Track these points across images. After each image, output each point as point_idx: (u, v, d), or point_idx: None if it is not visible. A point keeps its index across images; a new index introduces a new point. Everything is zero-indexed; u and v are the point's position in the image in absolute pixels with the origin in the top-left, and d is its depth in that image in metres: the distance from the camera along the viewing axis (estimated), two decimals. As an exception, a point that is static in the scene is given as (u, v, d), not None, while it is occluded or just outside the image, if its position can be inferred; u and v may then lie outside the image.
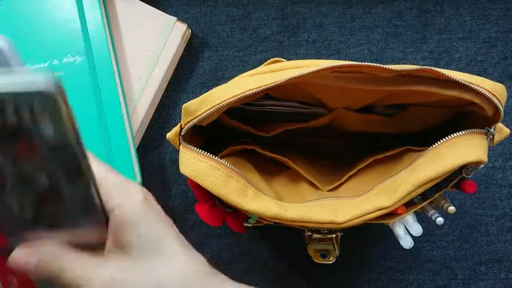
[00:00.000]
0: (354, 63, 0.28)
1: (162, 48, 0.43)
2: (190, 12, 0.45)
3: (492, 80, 0.44)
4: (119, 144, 0.40)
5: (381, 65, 0.28)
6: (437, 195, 0.32)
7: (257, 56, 0.45)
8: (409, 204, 0.32)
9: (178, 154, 0.33)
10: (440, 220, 0.32)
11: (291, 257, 0.44)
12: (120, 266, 0.22)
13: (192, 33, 0.45)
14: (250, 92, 0.28)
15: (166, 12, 0.43)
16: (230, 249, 0.44)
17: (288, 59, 0.44)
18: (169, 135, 0.33)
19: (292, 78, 0.27)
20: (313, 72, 0.27)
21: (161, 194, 0.45)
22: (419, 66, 0.28)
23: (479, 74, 0.44)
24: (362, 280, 0.43)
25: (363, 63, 0.28)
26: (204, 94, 0.30)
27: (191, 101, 0.31)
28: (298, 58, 0.45)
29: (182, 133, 0.32)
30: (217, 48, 0.45)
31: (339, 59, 0.45)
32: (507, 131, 0.32)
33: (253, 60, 0.45)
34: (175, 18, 0.43)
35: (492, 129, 0.30)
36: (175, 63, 0.45)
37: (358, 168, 0.35)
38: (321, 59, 0.45)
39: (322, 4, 0.45)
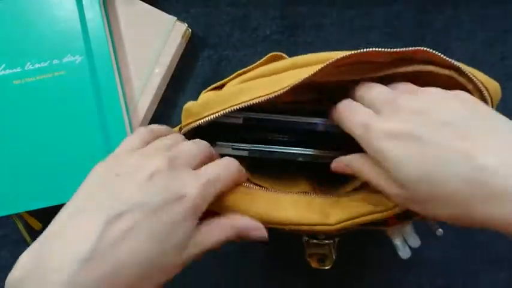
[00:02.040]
0: (352, 52, 0.27)
1: (162, 48, 0.43)
2: (190, 12, 0.45)
3: (491, 80, 0.45)
4: (119, 144, 0.40)
5: (381, 50, 0.27)
6: None
7: (256, 56, 0.45)
8: (403, 217, 0.32)
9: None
10: (440, 231, 0.33)
11: (289, 259, 0.44)
12: None
13: (192, 33, 0.45)
14: (254, 101, 0.28)
15: (166, 12, 0.43)
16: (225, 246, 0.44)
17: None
18: None
19: (297, 84, 0.27)
20: (314, 74, 0.27)
21: (161, 193, 0.45)
22: (417, 48, 0.27)
23: (477, 74, 0.45)
24: (361, 280, 0.43)
25: (365, 51, 0.27)
26: (207, 96, 0.30)
27: (193, 102, 0.31)
28: (297, 58, 0.45)
29: (183, 131, 0.32)
30: (217, 48, 0.45)
31: (338, 59, 0.45)
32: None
33: (252, 61, 0.45)
34: (175, 18, 0.43)
35: None
36: (175, 63, 0.45)
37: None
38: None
39: (321, 5, 0.45)
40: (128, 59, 0.43)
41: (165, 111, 0.45)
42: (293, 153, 0.32)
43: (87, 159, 0.40)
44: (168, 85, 0.45)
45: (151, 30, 0.43)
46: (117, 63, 0.42)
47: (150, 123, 0.45)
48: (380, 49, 0.28)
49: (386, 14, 0.45)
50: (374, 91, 0.28)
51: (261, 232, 0.27)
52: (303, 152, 0.33)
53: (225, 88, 0.33)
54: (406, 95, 0.26)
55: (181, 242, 0.24)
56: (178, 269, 0.24)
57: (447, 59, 0.28)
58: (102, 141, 0.40)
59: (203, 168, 0.27)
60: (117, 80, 0.41)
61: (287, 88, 0.27)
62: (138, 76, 0.43)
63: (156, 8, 0.43)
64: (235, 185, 0.29)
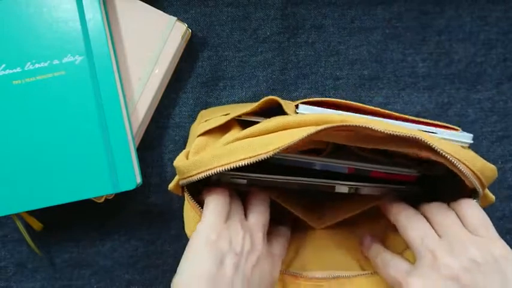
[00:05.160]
0: (346, 123, 0.28)
1: (162, 48, 0.43)
2: (190, 12, 0.45)
3: (491, 82, 0.45)
4: (119, 144, 0.40)
5: (372, 126, 0.28)
6: None
7: (257, 57, 0.45)
8: None
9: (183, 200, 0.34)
10: None
11: None
12: None
13: (192, 33, 0.45)
14: (240, 164, 0.29)
15: (166, 12, 0.43)
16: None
17: (287, 61, 0.45)
18: (171, 186, 0.34)
19: (284, 146, 0.28)
20: (305, 137, 0.28)
21: (161, 193, 0.45)
22: (411, 134, 0.28)
23: (478, 76, 0.45)
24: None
25: (354, 124, 0.28)
26: (195, 158, 0.31)
27: (181, 159, 0.32)
28: (298, 59, 0.45)
29: (181, 183, 0.32)
30: (217, 48, 0.45)
31: (338, 60, 0.45)
32: (492, 198, 0.32)
33: (252, 61, 0.45)
34: (175, 18, 0.43)
35: (476, 200, 0.31)
36: (175, 63, 0.45)
37: (343, 217, 0.37)
38: (320, 60, 0.45)
39: (321, 5, 0.45)
40: (128, 59, 0.43)
41: (165, 111, 0.45)
42: (290, 182, 0.33)
43: (87, 159, 0.40)
44: (168, 85, 0.45)
45: (151, 30, 0.43)
46: (117, 63, 0.42)
47: (150, 123, 0.45)
48: (375, 128, 0.28)
49: (387, 15, 0.45)
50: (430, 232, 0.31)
51: None
52: (299, 180, 0.33)
53: (218, 143, 0.33)
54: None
55: None
56: None
57: (444, 154, 0.28)
58: (102, 141, 0.40)
59: (277, 247, 0.34)
60: (117, 80, 0.41)
61: (272, 152, 0.28)
62: (138, 76, 0.43)
63: (156, 8, 0.43)
64: None
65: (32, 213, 0.43)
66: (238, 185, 0.35)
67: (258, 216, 0.33)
